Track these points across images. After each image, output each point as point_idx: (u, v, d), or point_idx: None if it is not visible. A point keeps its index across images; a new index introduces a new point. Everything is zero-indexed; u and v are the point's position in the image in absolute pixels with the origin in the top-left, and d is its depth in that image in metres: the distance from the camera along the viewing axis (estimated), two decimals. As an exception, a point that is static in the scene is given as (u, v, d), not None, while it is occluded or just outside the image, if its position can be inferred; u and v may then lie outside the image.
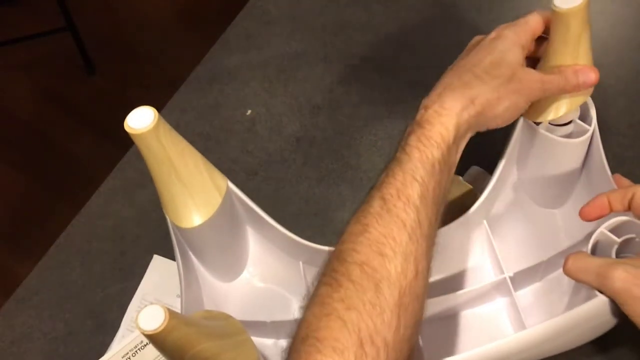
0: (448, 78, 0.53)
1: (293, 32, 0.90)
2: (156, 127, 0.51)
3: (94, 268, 0.73)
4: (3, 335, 0.69)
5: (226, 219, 0.61)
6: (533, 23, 0.55)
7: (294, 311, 0.65)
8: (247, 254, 0.68)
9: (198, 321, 0.49)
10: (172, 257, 0.69)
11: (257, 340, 0.64)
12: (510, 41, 0.54)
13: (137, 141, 0.52)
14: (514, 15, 0.55)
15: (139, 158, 0.82)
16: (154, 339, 0.44)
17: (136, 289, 0.71)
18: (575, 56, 0.54)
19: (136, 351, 0.63)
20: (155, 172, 0.55)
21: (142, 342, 0.63)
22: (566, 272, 0.51)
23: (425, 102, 0.52)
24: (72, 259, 0.74)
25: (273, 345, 0.64)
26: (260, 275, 0.68)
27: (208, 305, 0.63)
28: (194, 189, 0.57)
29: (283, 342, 0.64)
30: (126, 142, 0.87)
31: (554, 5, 0.51)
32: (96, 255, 0.74)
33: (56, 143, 1.70)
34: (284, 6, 0.93)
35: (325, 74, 0.86)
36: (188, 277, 0.61)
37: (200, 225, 0.57)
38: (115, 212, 0.77)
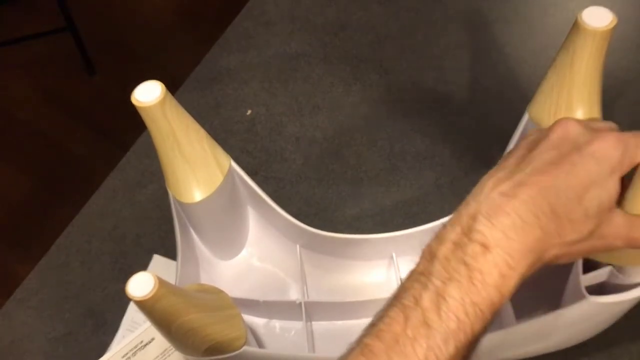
0: (527, 201, 0.37)
1: (293, 32, 0.90)
2: (162, 101, 0.52)
3: (94, 268, 0.73)
4: (3, 335, 0.69)
5: (227, 198, 0.62)
6: None
7: (288, 293, 0.66)
8: (246, 234, 0.68)
9: (188, 292, 0.50)
10: (172, 257, 0.69)
11: (250, 319, 0.65)
12: (612, 167, 0.38)
13: (143, 114, 0.53)
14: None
15: (139, 158, 0.83)
16: (142, 305, 0.44)
17: (136, 289, 0.71)
18: None
19: (136, 351, 0.63)
20: (160, 146, 0.56)
21: (142, 342, 0.63)
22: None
23: (480, 226, 0.37)
24: (72, 259, 0.74)
25: (265, 325, 0.65)
26: (258, 255, 0.69)
27: (204, 281, 0.64)
28: (196, 165, 0.57)
29: (275, 323, 0.65)
30: (126, 142, 0.88)
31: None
32: (96, 255, 0.74)
33: (56, 143, 1.69)
34: (284, 6, 0.93)
35: (325, 74, 0.86)
36: (185, 252, 0.61)
37: (200, 202, 0.58)
38: (115, 212, 0.77)
